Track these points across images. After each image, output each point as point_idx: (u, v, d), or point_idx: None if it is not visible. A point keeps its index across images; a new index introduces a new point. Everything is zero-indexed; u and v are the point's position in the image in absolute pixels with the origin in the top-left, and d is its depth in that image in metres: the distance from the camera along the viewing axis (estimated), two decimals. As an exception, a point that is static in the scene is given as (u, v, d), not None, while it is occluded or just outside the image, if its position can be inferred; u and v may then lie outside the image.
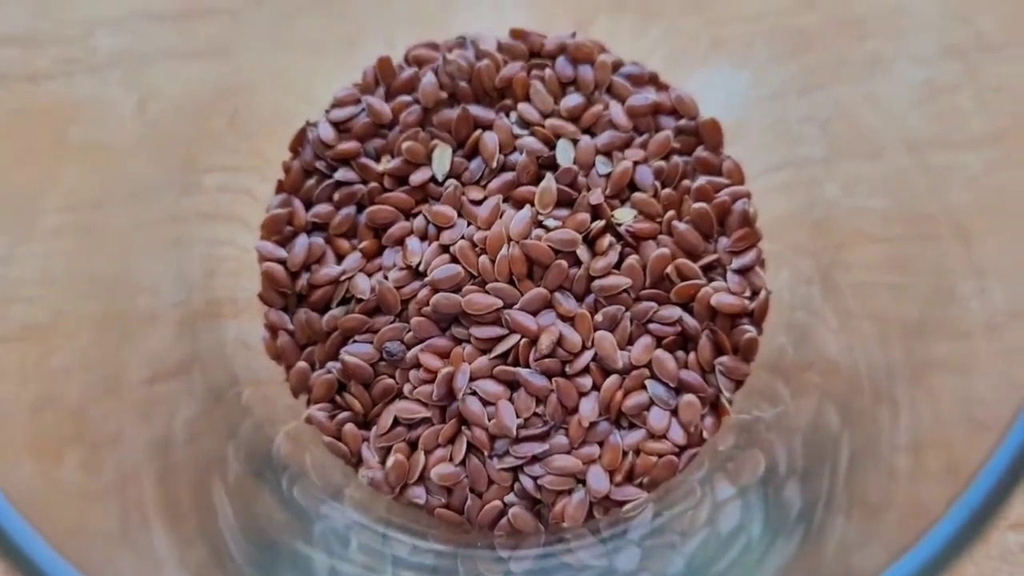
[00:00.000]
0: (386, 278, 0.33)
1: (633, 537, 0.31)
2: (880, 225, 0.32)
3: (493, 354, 0.32)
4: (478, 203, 0.33)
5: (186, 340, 0.34)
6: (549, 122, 0.34)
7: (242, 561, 0.29)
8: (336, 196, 0.34)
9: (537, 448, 0.31)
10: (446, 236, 0.33)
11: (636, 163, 0.33)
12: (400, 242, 0.33)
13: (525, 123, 0.34)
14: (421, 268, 0.33)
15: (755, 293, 0.33)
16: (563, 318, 0.32)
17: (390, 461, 0.32)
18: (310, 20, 0.36)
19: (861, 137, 0.33)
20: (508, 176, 0.33)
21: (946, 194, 0.32)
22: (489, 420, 0.31)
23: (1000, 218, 0.32)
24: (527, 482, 0.32)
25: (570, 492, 0.32)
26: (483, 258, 0.32)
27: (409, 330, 0.33)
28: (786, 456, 0.30)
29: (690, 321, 0.32)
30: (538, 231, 0.32)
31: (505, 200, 0.33)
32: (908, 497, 0.26)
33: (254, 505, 0.32)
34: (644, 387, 0.32)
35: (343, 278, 0.33)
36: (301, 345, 0.34)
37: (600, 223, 0.32)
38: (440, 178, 0.34)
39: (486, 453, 0.32)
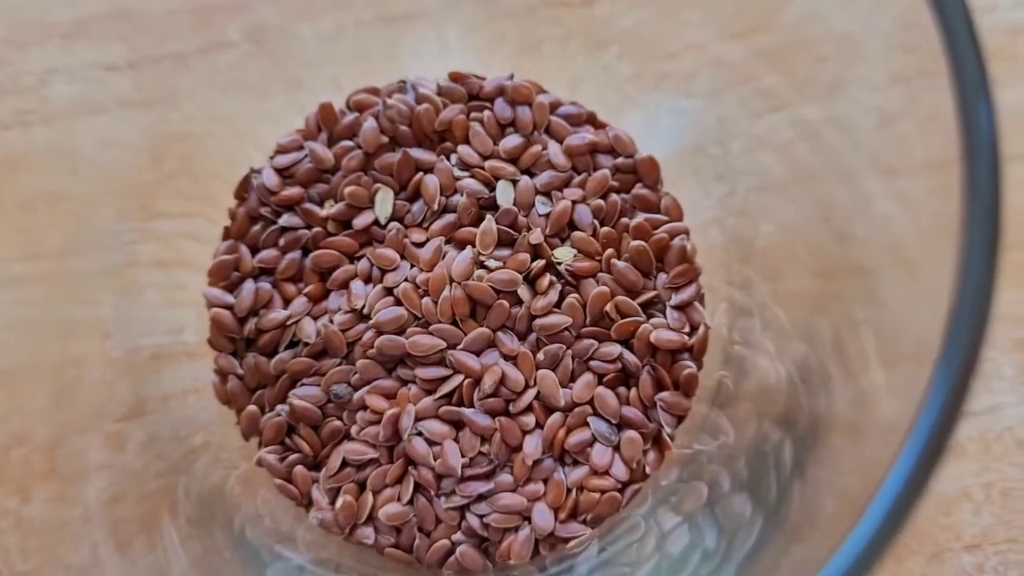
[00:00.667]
0: (331, 322, 0.33)
1: (580, 572, 0.31)
2: (817, 255, 0.32)
3: (438, 394, 0.32)
4: (420, 245, 0.34)
5: (140, 383, 0.34)
6: (489, 164, 0.34)
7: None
8: (281, 241, 0.34)
9: (482, 487, 0.32)
10: (389, 279, 0.33)
11: (575, 202, 0.34)
12: (345, 285, 0.34)
13: (465, 165, 0.34)
14: (365, 311, 0.33)
15: (694, 328, 0.33)
16: (506, 357, 0.33)
17: (339, 502, 0.33)
18: (256, 64, 0.36)
19: (801, 167, 0.33)
20: (450, 218, 0.34)
21: (884, 221, 0.32)
22: (435, 460, 0.32)
23: (937, 247, 0.33)
24: (474, 521, 0.32)
25: (516, 530, 0.32)
26: (426, 299, 0.33)
27: (355, 372, 0.33)
28: (729, 479, 0.31)
29: (630, 358, 0.32)
30: (480, 272, 0.33)
31: (447, 242, 0.34)
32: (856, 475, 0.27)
33: (205, 545, 0.32)
34: (587, 424, 0.32)
35: (290, 322, 0.34)
36: (251, 389, 0.34)
37: (540, 263, 0.33)
38: (383, 221, 0.34)
39: (433, 492, 0.32)
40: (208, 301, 0.34)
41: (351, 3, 0.37)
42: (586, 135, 0.34)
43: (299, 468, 0.33)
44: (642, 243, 0.33)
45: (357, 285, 0.33)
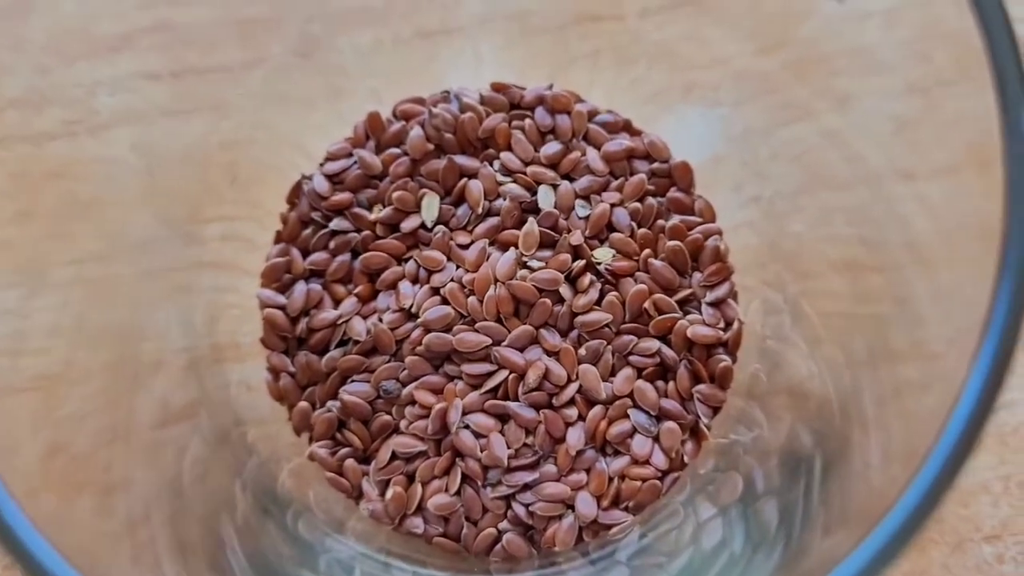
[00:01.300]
0: (381, 320, 0.35)
1: (621, 558, 0.33)
2: (845, 255, 0.34)
3: (483, 389, 0.34)
4: (465, 247, 0.35)
5: (192, 385, 0.36)
6: (530, 169, 0.36)
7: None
8: (332, 244, 0.36)
9: (528, 477, 0.33)
10: (436, 279, 0.35)
11: (613, 205, 0.35)
12: (393, 286, 0.35)
13: (508, 171, 0.36)
14: (413, 310, 0.35)
15: (728, 324, 0.35)
16: (549, 353, 0.34)
17: (389, 493, 0.34)
18: (300, 77, 0.37)
19: (826, 172, 0.35)
20: (493, 221, 0.35)
21: (905, 224, 0.33)
22: (481, 452, 0.33)
23: (958, 247, 0.35)
24: (519, 509, 0.33)
25: (560, 518, 0.33)
26: (472, 299, 0.34)
27: (404, 369, 0.34)
28: (763, 476, 0.32)
29: (668, 352, 0.34)
30: (523, 272, 0.34)
31: (491, 244, 0.35)
32: (881, 508, 0.28)
33: (261, 540, 0.33)
34: (627, 416, 0.34)
35: (340, 321, 0.35)
36: (302, 386, 0.36)
37: (581, 263, 0.34)
38: (429, 225, 0.36)
39: (480, 483, 0.34)
40: (261, 302, 0.36)
41: (389, 19, 0.38)
42: (623, 141, 0.36)
43: (350, 462, 0.35)
44: (678, 243, 0.35)
45: (405, 285, 0.35)
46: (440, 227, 0.35)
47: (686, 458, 0.34)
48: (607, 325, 0.34)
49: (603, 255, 0.35)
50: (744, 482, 0.32)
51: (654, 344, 0.34)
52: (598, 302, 0.34)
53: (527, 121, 0.36)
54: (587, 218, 0.35)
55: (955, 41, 0.34)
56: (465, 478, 0.34)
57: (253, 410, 0.37)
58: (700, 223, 0.35)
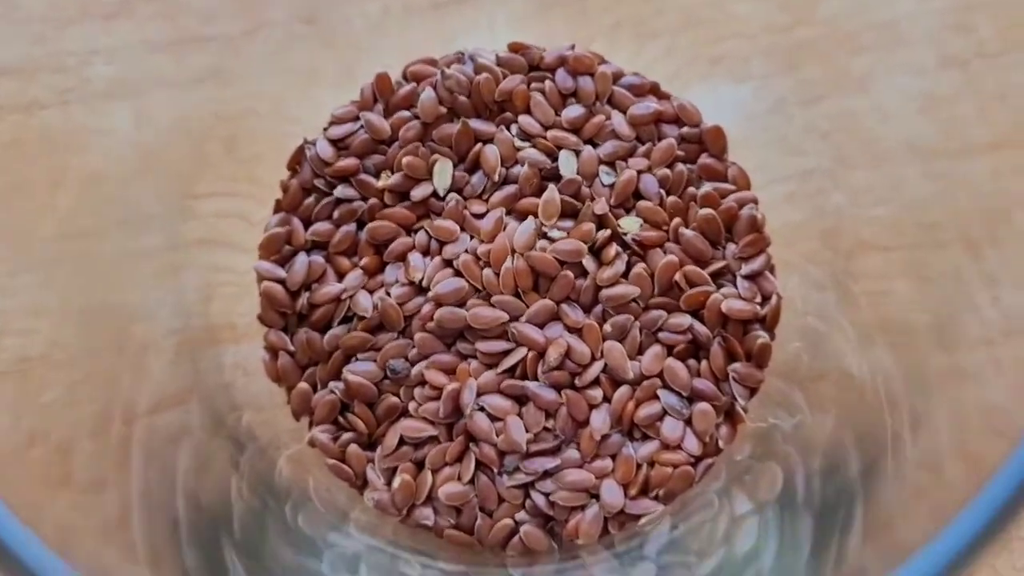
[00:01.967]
0: (388, 295, 0.32)
1: (649, 553, 0.30)
2: (889, 233, 0.32)
3: (500, 369, 0.31)
4: (480, 216, 0.33)
5: (185, 367, 0.33)
6: (551, 133, 0.33)
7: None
8: (336, 214, 0.33)
9: (548, 463, 0.31)
10: (449, 250, 0.32)
11: (640, 172, 0.33)
12: (402, 258, 0.33)
13: (526, 135, 0.33)
14: (424, 283, 0.32)
15: (766, 299, 0.32)
16: (570, 330, 0.32)
17: (396, 482, 0.31)
18: (304, 47, 0.35)
19: (864, 147, 0.33)
20: (510, 189, 0.33)
21: (952, 202, 0.31)
22: (497, 436, 0.31)
23: (1006, 225, 0.33)
24: (539, 499, 0.31)
25: (583, 508, 0.31)
26: (487, 271, 0.32)
27: (413, 347, 0.32)
28: (804, 474, 0.29)
29: (701, 329, 0.31)
30: (542, 243, 0.32)
31: (508, 213, 0.33)
32: (928, 513, 0.26)
33: (260, 536, 0.31)
34: (656, 397, 0.31)
35: (344, 296, 0.33)
36: (302, 366, 0.33)
37: (606, 233, 0.32)
38: (441, 193, 0.33)
39: (495, 470, 0.31)
40: (259, 275, 0.33)
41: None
42: (651, 104, 0.33)
43: (353, 447, 0.32)
44: (711, 211, 0.32)
45: (415, 257, 0.32)
46: (453, 195, 0.33)
47: (721, 443, 0.31)
48: (635, 300, 0.31)
49: (630, 225, 0.32)
50: (784, 476, 0.30)
51: (685, 320, 0.31)
52: (624, 275, 0.32)
53: (547, 83, 0.34)
54: (612, 185, 0.33)
55: (1002, 10, 0.33)
56: (479, 465, 0.31)
57: (249, 394, 0.34)
58: (734, 191, 0.33)
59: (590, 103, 0.34)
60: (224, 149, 0.35)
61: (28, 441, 0.36)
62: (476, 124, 0.33)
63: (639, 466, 0.31)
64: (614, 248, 0.32)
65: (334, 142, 0.34)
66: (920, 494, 0.27)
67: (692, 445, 0.31)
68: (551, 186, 0.33)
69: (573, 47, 0.34)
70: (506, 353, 0.31)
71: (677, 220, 0.32)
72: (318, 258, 0.33)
